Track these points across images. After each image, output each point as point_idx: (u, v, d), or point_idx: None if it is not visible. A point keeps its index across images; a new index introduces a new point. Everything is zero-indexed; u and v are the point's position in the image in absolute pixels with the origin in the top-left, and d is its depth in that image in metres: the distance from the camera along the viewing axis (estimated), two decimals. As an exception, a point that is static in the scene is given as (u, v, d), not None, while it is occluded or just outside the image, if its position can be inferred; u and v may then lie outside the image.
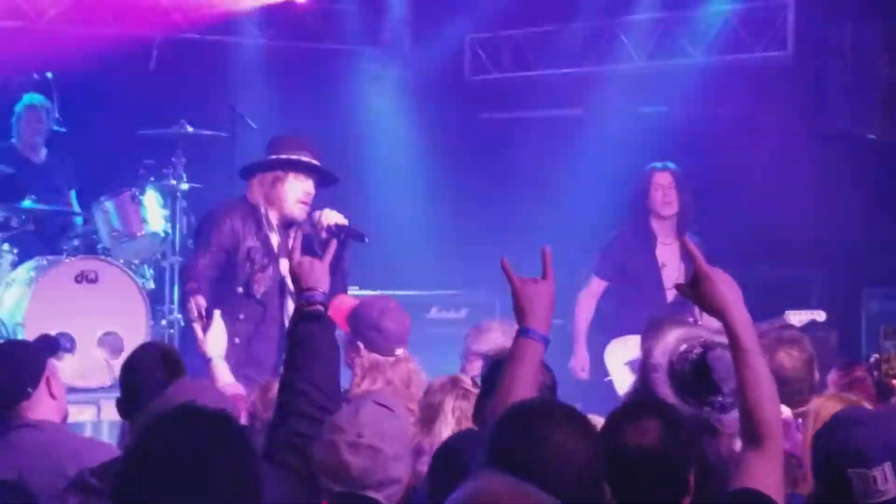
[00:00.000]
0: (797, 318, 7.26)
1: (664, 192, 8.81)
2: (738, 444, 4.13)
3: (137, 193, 9.77)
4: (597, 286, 8.86)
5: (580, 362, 8.75)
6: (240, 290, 7.59)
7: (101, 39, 11.05)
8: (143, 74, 10.96)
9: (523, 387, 3.89)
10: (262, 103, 10.85)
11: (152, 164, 9.89)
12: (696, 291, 3.97)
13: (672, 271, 8.75)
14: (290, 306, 7.46)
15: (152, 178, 9.88)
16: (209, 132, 10.11)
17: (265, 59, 11.76)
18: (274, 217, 7.59)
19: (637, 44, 10.86)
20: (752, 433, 3.83)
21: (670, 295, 8.57)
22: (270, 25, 11.82)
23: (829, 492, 3.77)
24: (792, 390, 5.36)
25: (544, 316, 4.11)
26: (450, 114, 11.91)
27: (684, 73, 10.59)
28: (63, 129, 10.22)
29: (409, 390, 5.91)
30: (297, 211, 7.53)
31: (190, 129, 9.94)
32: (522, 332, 4.02)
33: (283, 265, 7.58)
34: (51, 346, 5.39)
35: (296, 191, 7.52)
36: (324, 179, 7.74)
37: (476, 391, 5.14)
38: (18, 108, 10.14)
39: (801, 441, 4.95)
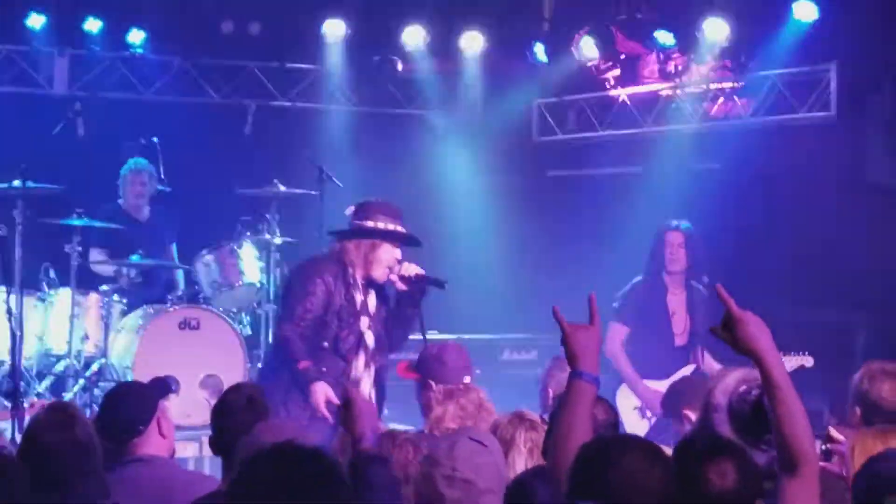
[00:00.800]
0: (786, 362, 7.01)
1: (673, 249, 9.10)
2: None
3: (235, 247, 10.01)
4: (619, 332, 8.96)
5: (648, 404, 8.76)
6: (326, 344, 7.58)
7: (201, 107, 11.46)
8: (240, 138, 11.12)
9: (580, 425, 3.90)
10: (348, 163, 10.87)
11: (248, 221, 10.12)
12: (729, 334, 3.93)
13: (680, 319, 9.09)
14: (362, 362, 7.67)
15: (248, 233, 10.08)
16: (300, 191, 10.18)
17: (350, 123, 11.95)
18: (360, 276, 7.67)
19: (692, 106, 10.87)
20: (790, 462, 3.83)
21: (678, 340, 9.00)
22: (355, 92, 12.05)
23: None
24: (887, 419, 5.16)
25: (593, 358, 4.07)
26: (520, 171, 12.12)
27: (735, 133, 10.54)
28: (167, 189, 10.37)
29: (481, 413, 5.88)
30: (384, 275, 7.66)
31: (282, 188, 10.10)
32: (575, 375, 4.00)
33: (363, 322, 7.69)
34: (162, 388, 5.45)
35: (388, 258, 7.63)
36: (408, 242, 7.87)
37: (544, 425, 5.14)
38: (124, 171, 10.30)
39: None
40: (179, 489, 4.89)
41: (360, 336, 7.75)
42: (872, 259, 9.84)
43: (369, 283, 7.78)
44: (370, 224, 7.78)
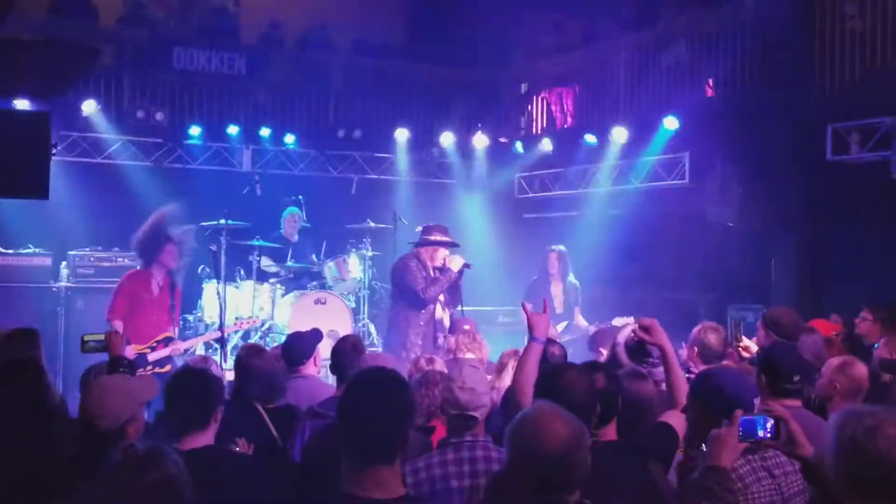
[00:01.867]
0: (621, 321, 6.80)
1: (551, 261, 9.19)
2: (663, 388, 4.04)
3: (346, 257, 10.07)
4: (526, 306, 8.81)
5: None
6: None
7: (326, 178, 11.51)
8: (348, 196, 11.19)
9: (531, 367, 3.81)
10: (408, 209, 10.80)
11: (353, 242, 10.17)
12: (646, 332, 3.90)
13: (558, 299, 9.04)
14: (439, 309, 7.87)
15: (353, 249, 10.10)
16: (382, 225, 10.13)
17: (409, 187, 11.89)
18: (428, 264, 7.81)
19: (606, 177, 10.63)
20: (672, 401, 3.76)
21: (558, 309, 8.95)
22: (412, 170, 11.89)
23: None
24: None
25: (543, 330, 3.97)
26: (506, 215, 12.03)
27: (632, 193, 10.29)
28: (307, 224, 10.28)
29: (474, 344, 5.82)
30: (440, 263, 7.79)
31: (372, 224, 10.11)
32: (532, 339, 3.94)
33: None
34: (318, 337, 5.34)
35: (441, 255, 7.80)
36: (451, 245, 7.96)
37: None
38: (284, 214, 10.21)
39: None
40: (320, 393, 4.83)
41: (441, 291, 7.80)
42: (710, 262, 9.67)
43: (440, 269, 7.85)
44: (431, 237, 7.92)
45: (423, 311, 7.72)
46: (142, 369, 7.48)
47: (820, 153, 8.07)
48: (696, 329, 5.26)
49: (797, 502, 3.23)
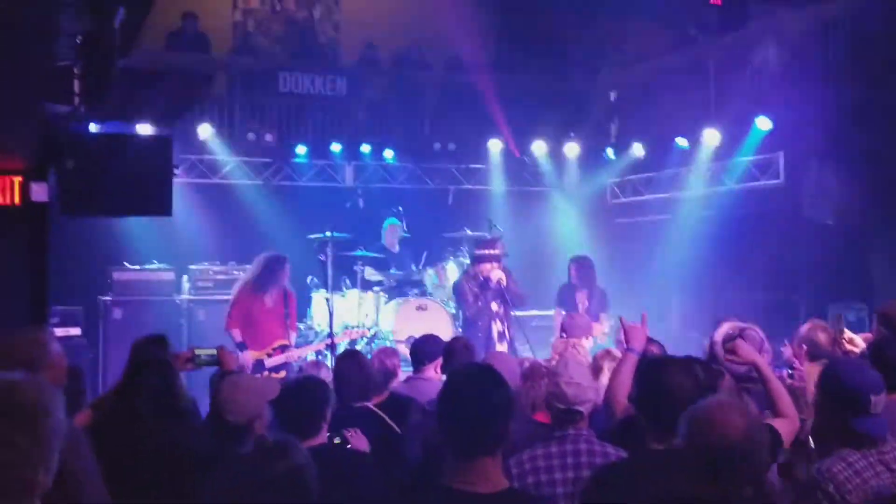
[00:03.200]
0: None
1: (571, 272, 8.99)
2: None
3: (445, 265, 10.02)
4: (558, 312, 8.71)
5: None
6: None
7: (424, 190, 11.48)
8: (445, 207, 11.21)
9: (626, 375, 3.79)
10: (504, 218, 10.75)
11: (451, 250, 10.14)
12: (733, 353, 3.86)
13: (581, 304, 8.83)
14: (493, 321, 8.24)
15: (451, 257, 10.09)
16: (478, 233, 9.98)
17: (505, 195, 11.87)
18: (480, 278, 8.19)
19: (698, 179, 10.50)
20: (775, 412, 3.66)
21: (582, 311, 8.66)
22: (507, 179, 11.89)
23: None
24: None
25: (640, 342, 3.99)
26: (600, 220, 11.97)
27: (726, 194, 10.10)
28: (407, 234, 10.28)
29: (570, 349, 5.81)
30: (488, 277, 8.16)
31: (469, 232, 10.09)
32: (628, 349, 3.97)
33: (491, 298, 8.28)
34: (443, 343, 5.39)
35: (486, 268, 8.19)
36: (495, 259, 8.29)
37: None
38: (385, 225, 10.25)
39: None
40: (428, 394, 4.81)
41: (489, 304, 8.22)
42: (807, 261, 9.36)
43: (486, 280, 8.22)
44: (476, 252, 8.50)
45: (480, 323, 8.19)
46: (259, 375, 7.72)
47: (917, 148, 7.83)
48: (804, 327, 5.16)
49: None
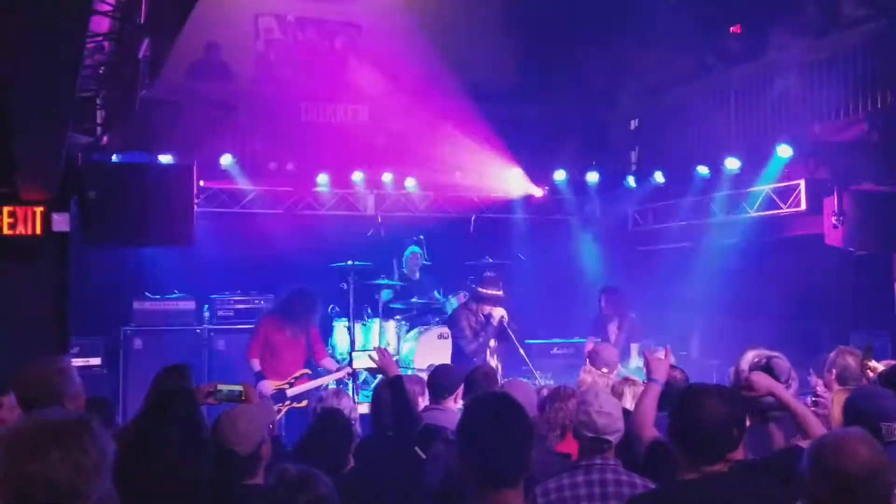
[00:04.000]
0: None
1: (603, 303, 9.18)
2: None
3: (465, 293, 9.90)
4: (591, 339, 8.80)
5: None
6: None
7: (447, 219, 11.60)
8: (467, 235, 11.18)
9: (651, 404, 3.86)
10: (525, 245, 10.92)
11: (472, 279, 9.89)
12: (749, 390, 3.80)
13: (613, 334, 9.04)
14: (489, 356, 8.36)
15: (472, 286, 9.82)
16: (498, 261, 10.05)
17: (527, 223, 11.92)
18: (481, 315, 8.33)
19: (719, 207, 10.46)
20: (804, 433, 3.64)
21: (613, 342, 8.75)
22: (524, 207, 11.93)
23: None
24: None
25: (662, 372, 4.04)
26: (622, 247, 11.91)
27: (747, 222, 10.00)
28: (428, 263, 10.42)
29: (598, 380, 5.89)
30: (490, 314, 8.29)
31: (490, 259, 10.02)
32: (650, 380, 4.02)
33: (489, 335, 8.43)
34: (463, 374, 5.21)
35: (489, 307, 8.38)
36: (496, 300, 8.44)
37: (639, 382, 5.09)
38: (407, 253, 10.37)
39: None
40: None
41: (487, 341, 8.42)
42: (829, 289, 9.28)
43: (489, 318, 8.40)
44: (479, 290, 8.66)
45: (475, 360, 8.17)
46: (281, 405, 7.76)
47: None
48: (833, 353, 5.21)
49: None
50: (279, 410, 8.04)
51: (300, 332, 8.28)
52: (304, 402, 7.83)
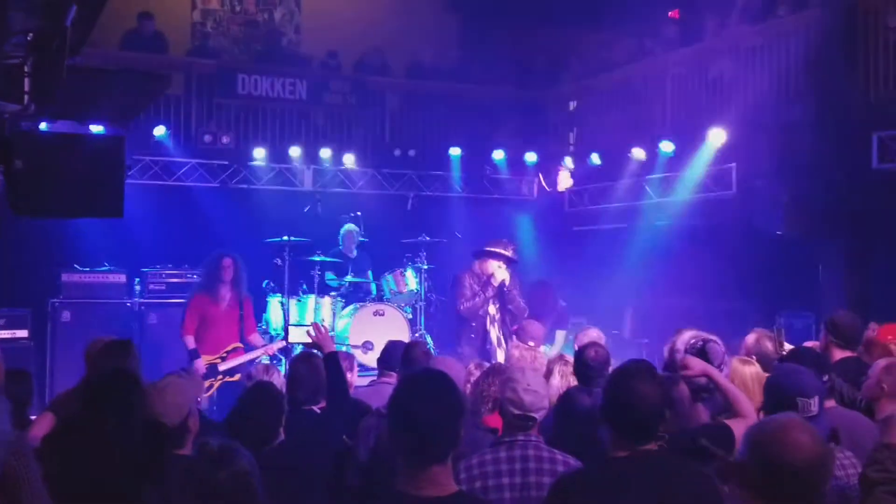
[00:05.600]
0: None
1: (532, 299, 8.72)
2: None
3: (403, 270, 10.03)
4: None
5: None
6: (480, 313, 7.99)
7: (383, 196, 11.53)
8: (404, 212, 10.97)
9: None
10: (462, 223, 10.94)
11: (409, 256, 10.14)
12: (687, 369, 3.95)
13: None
14: (489, 324, 8.03)
15: (409, 263, 10.09)
16: (436, 239, 10.14)
17: (462, 202, 11.94)
18: (483, 276, 7.99)
19: (654, 189, 10.58)
20: (735, 413, 3.79)
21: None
22: (466, 186, 12.01)
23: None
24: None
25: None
26: (557, 228, 12.01)
27: (681, 204, 10.11)
28: (365, 239, 10.35)
29: (533, 356, 5.94)
30: (488, 274, 8.00)
31: (427, 238, 10.09)
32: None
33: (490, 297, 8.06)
34: (366, 346, 5.58)
35: (491, 267, 8.00)
36: (500, 258, 8.06)
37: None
38: (342, 230, 10.32)
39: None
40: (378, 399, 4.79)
41: (486, 304, 7.99)
42: (758, 271, 9.45)
43: (489, 279, 7.99)
44: (485, 248, 8.14)
45: (473, 324, 7.91)
46: (213, 379, 7.72)
47: (866, 161, 7.97)
48: (750, 338, 5.29)
49: None
50: (211, 385, 8.03)
51: (234, 304, 8.22)
52: (237, 377, 7.79)
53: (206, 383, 7.92)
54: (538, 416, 3.53)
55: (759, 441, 2.38)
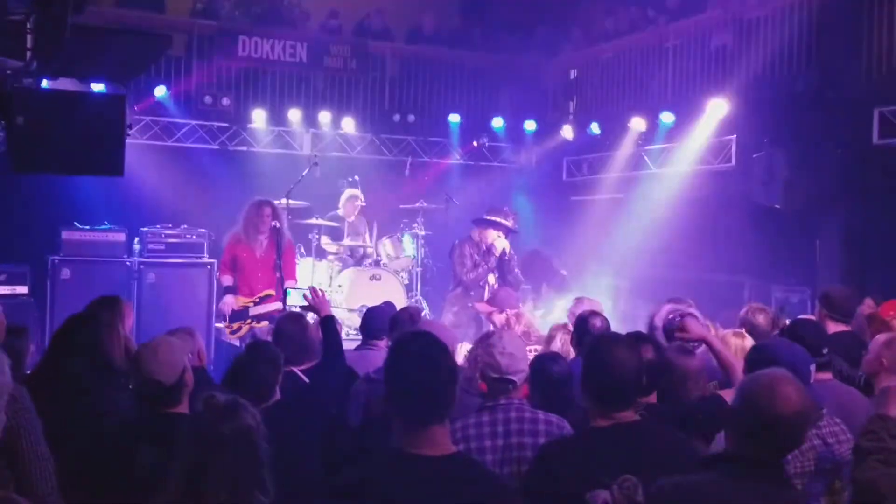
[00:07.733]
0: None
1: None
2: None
3: (400, 235, 10.15)
4: None
5: None
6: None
7: (382, 161, 11.49)
8: (402, 178, 11.02)
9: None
10: (460, 191, 10.91)
11: (407, 222, 10.25)
12: (682, 332, 4.08)
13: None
14: (488, 293, 7.96)
15: (406, 229, 10.20)
16: (434, 206, 10.21)
17: (462, 169, 11.99)
18: (483, 245, 8.03)
19: (653, 160, 10.56)
20: (728, 380, 3.90)
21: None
22: (465, 153, 11.98)
23: None
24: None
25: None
26: (555, 197, 12.01)
27: (679, 176, 10.04)
28: (364, 203, 10.12)
29: (520, 324, 6.08)
30: (489, 243, 8.03)
31: (425, 204, 10.16)
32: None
33: (490, 266, 8.09)
34: (393, 311, 5.48)
35: (491, 236, 8.01)
36: (499, 227, 8.08)
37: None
38: (344, 195, 10.09)
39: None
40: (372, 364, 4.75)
41: (487, 275, 8.02)
42: (755, 244, 9.35)
43: (490, 248, 8.01)
44: (485, 217, 8.14)
45: (472, 293, 7.93)
46: (243, 322, 7.97)
47: (866, 136, 7.94)
48: (743, 311, 5.27)
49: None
50: (239, 328, 8.11)
51: (271, 251, 8.19)
52: (265, 324, 7.84)
53: (236, 325, 8.10)
54: (516, 378, 3.53)
55: (749, 392, 2.55)
